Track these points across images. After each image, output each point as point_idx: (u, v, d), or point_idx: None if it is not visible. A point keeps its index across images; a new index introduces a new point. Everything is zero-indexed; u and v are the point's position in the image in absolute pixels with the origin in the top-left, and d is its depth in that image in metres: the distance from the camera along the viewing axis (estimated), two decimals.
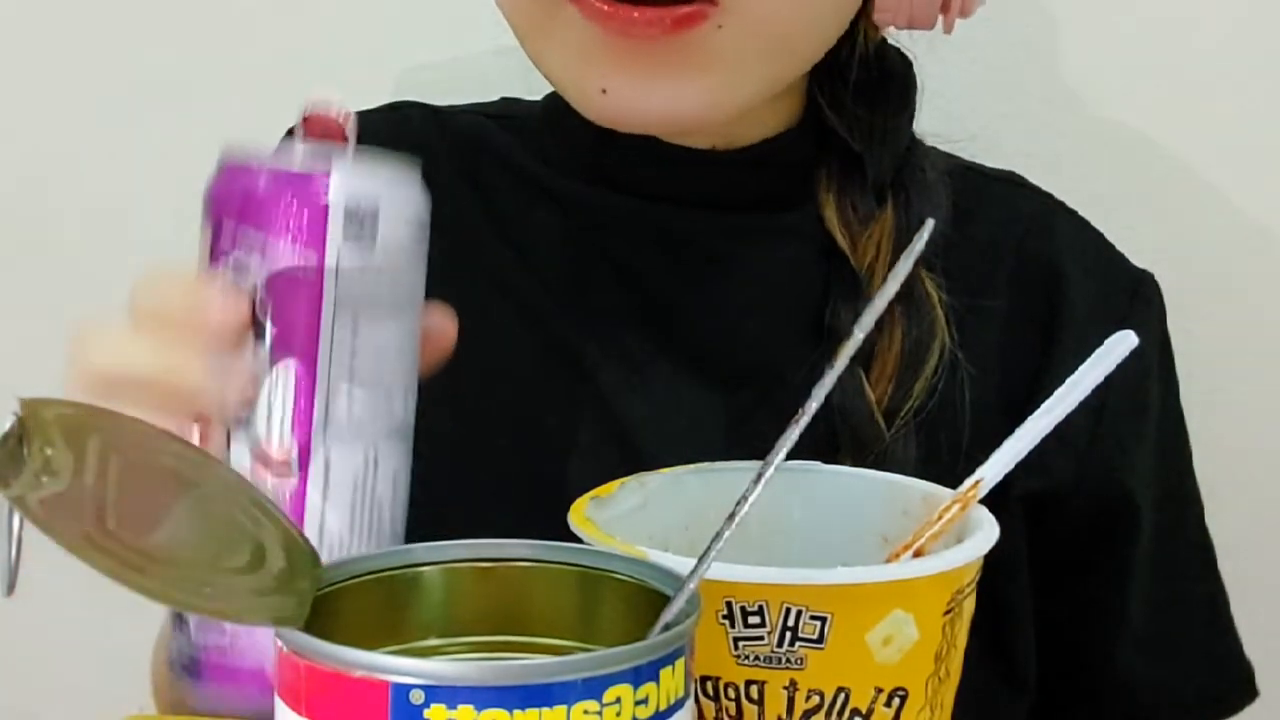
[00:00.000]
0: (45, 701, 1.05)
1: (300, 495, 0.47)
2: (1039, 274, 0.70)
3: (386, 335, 0.49)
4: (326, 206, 0.47)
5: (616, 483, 0.52)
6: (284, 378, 0.47)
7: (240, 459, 0.47)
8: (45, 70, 1.00)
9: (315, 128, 0.50)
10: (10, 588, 0.43)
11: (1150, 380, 0.71)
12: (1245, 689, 0.73)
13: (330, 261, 0.47)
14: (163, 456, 0.41)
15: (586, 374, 0.68)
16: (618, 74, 0.60)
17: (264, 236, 0.47)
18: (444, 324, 0.54)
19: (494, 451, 0.68)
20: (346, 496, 0.48)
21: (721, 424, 0.67)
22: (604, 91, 0.61)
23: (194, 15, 0.98)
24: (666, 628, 0.37)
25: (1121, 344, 0.50)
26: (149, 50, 0.98)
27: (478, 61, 0.93)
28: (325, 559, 0.42)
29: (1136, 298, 0.71)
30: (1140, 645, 0.71)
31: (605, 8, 0.58)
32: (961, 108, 0.88)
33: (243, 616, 0.37)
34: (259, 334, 0.47)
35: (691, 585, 0.38)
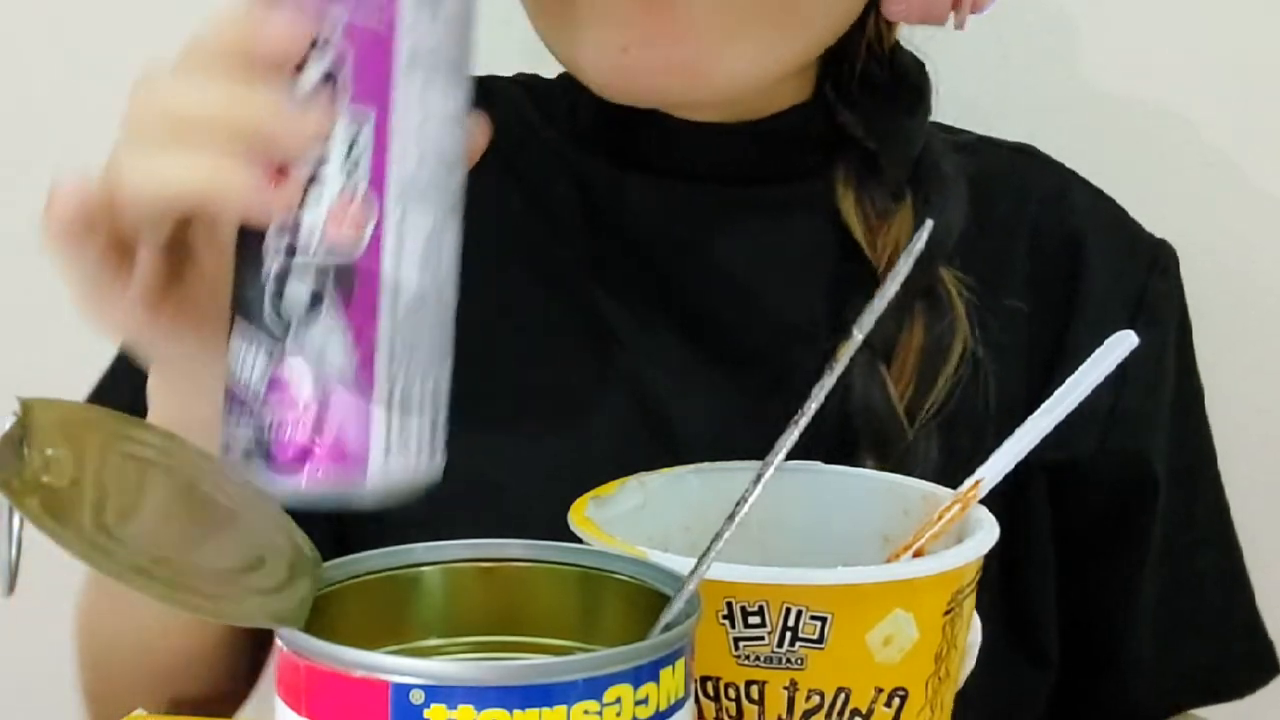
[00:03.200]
0: (45, 701, 1.05)
1: (375, 251, 0.44)
2: (1059, 244, 0.70)
3: (449, 104, 0.47)
4: None
5: (616, 483, 0.52)
6: (359, 129, 0.45)
7: (314, 220, 0.45)
8: (43, 63, 1.00)
9: None
10: (10, 588, 0.43)
11: (1168, 353, 0.71)
12: (1265, 665, 0.73)
13: (404, 14, 0.45)
14: (163, 456, 0.41)
15: (611, 343, 0.68)
16: (635, 31, 0.60)
17: None
18: (479, 123, 0.53)
19: (520, 421, 0.68)
20: (419, 253, 0.45)
21: (738, 402, 0.67)
22: (624, 50, 0.60)
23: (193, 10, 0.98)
24: (667, 628, 0.37)
25: (1121, 344, 0.50)
26: (150, 40, 0.98)
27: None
28: (404, 316, 0.43)
29: (1155, 267, 0.71)
30: (1156, 622, 0.71)
31: None
32: (966, 95, 0.88)
33: (243, 616, 0.37)
34: (330, 83, 0.45)
35: (691, 586, 0.38)
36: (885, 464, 0.62)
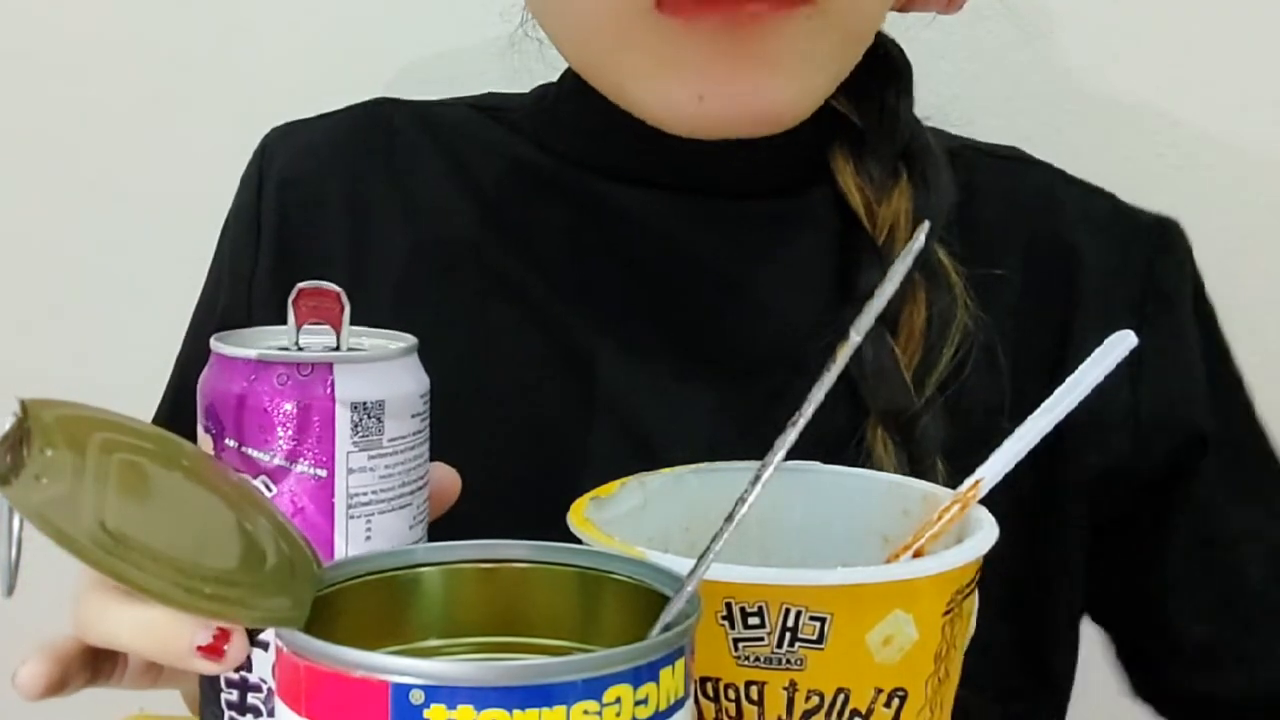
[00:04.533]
0: (45, 701, 1.05)
1: None
2: (1049, 249, 0.70)
3: (399, 524, 0.49)
4: (333, 408, 0.46)
5: (617, 483, 0.52)
6: None
7: (265, 661, 0.47)
8: (42, 68, 1.00)
9: (308, 305, 0.49)
10: (10, 588, 0.43)
11: (1187, 328, 0.70)
12: None
13: (340, 464, 0.46)
14: (163, 457, 0.41)
15: (595, 373, 0.67)
16: (712, 78, 0.59)
17: (267, 438, 0.46)
18: (447, 481, 0.54)
19: (502, 458, 0.67)
20: None
21: (738, 418, 0.66)
22: (700, 98, 0.60)
23: (192, 11, 0.98)
24: (666, 628, 0.37)
25: (1121, 344, 0.50)
26: (148, 42, 0.98)
27: (467, 56, 0.93)
28: None
29: (1158, 248, 0.71)
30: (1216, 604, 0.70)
31: (699, 3, 0.57)
32: (955, 91, 0.88)
33: (242, 617, 0.37)
34: None
35: (690, 587, 0.38)
36: (894, 438, 0.62)
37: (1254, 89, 0.89)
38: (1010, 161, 0.74)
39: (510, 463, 0.67)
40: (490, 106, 0.75)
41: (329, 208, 0.72)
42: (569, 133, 0.70)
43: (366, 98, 0.77)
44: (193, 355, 0.75)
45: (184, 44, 0.98)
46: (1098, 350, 0.50)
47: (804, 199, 0.68)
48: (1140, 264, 0.70)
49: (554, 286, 0.69)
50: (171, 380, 0.75)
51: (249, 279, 0.72)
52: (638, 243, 0.69)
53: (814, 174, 0.68)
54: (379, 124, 0.75)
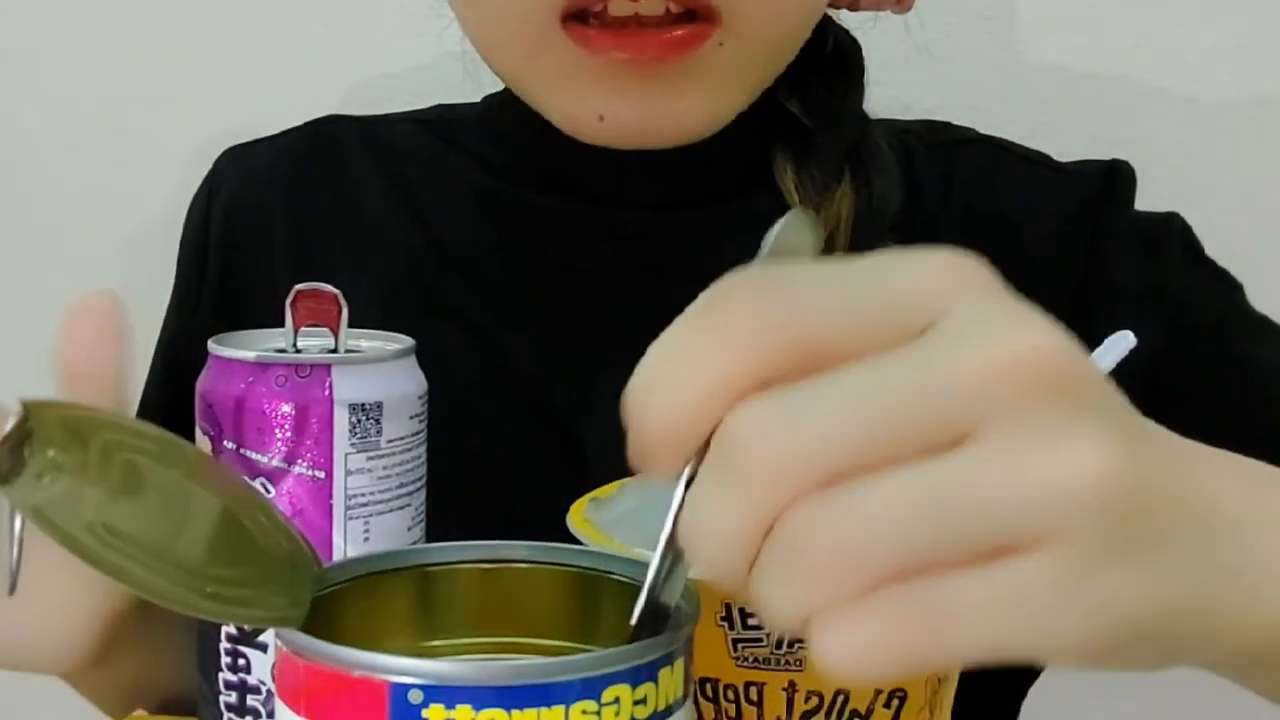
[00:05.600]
0: (45, 701, 1.05)
1: None
2: (990, 226, 0.68)
3: (398, 524, 0.49)
4: (331, 409, 0.46)
5: (616, 484, 0.52)
6: None
7: (261, 662, 0.47)
8: (45, 68, 1.00)
9: (306, 307, 0.49)
10: (11, 588, 0.43)
11: (1136, 266, 0.68)
12: None
13: (338, 465, 0.47)
14: (164, 457, 0.41)
15: (536, 395, 0.67)
16: (615, 98, 0.59)
17: (265, 440, 0.46)
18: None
19: (445, 484, 0.67)
20: None
21: None
22: (601, 118, 0.59)
23: (163, 25, 0.98)
24: (653, 631, 0.37)
25: (1120, 343, 0.50)
26: (126, 55, 0.99)
27: (430, 70, 0.93)
28: None
29: (1098, 200, 0.69)
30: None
31: (603, 36, 0.57)
32: (926, 91, 0.88)
33: (243, 616, 0.38)
34: None
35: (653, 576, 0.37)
36: None
37: (1242, 85, 0.90)
38: (946, 146, 0.72)
39: (456, 489, 0.66)
40: (434, 120, 0.75)
41: (274, 230, 0.72)
42: (508, 142, 0.70)
43: (353, 111, 0.77)
44: (156, 375, 0.74)
45: (184, 46, 0.98)
46: (1096, 351, 0.50)
47: (748, 203, 0.67)
48: (1080, 221, 0.68)
49: (493, 306, 0.68)
50: (140, 404, 0.75)
51: (195, 301, 0.72)
52: (577, 255, 0.68)
53: (758, 176, 0.67)
54: (325, 144, 0.74)
